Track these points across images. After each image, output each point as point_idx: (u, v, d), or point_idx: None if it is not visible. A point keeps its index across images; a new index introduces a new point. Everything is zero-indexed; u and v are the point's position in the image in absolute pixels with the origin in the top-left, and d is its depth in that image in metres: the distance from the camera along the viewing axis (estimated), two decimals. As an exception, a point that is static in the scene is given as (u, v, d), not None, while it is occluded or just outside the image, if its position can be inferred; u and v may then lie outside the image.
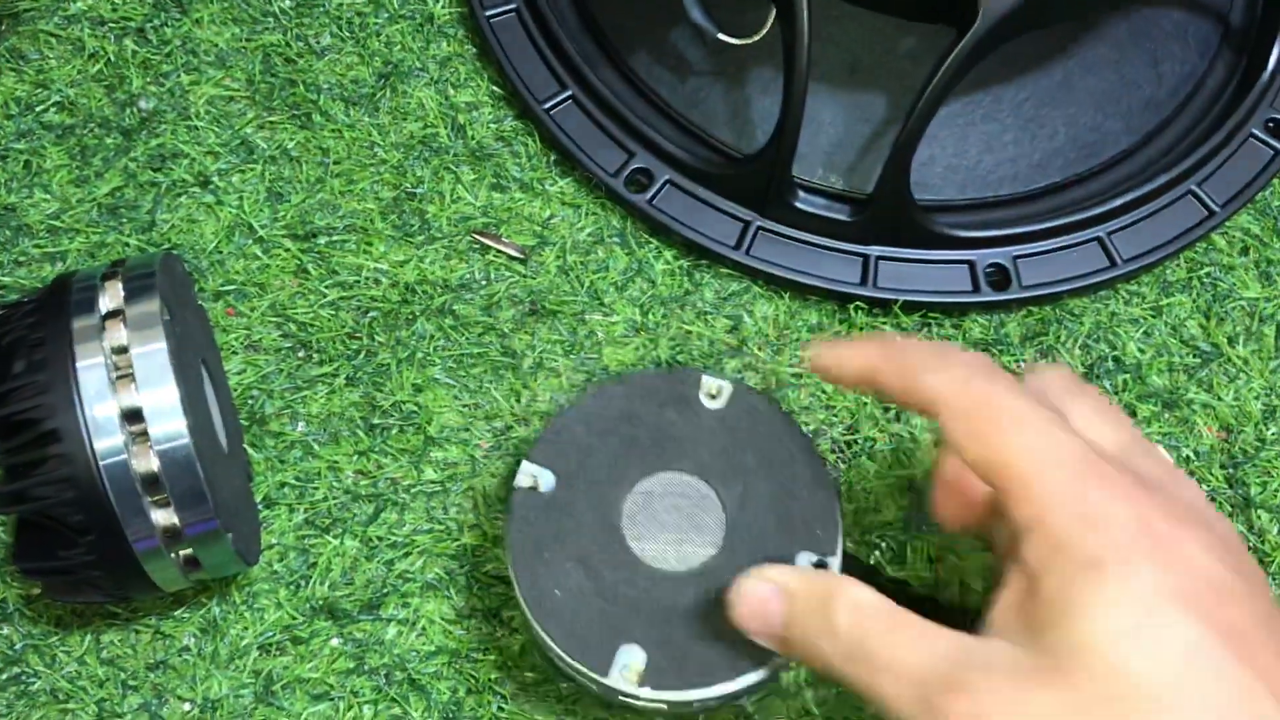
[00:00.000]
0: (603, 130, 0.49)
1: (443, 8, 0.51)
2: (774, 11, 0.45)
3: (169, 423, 0.35)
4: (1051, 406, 0.33)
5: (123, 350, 0.35)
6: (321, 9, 0.51)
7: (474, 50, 0.51)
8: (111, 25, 0.50)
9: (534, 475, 0.39)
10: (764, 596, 0.34)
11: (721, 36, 0.47)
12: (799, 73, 0.43)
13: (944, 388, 0.33)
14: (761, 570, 0.35)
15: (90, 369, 0.35)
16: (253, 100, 0.49)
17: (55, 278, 0.38)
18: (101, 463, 0.34)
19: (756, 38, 0.47)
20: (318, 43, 0.50)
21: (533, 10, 0.50)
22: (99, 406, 0.34)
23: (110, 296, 0.36)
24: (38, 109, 0.48)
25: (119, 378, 0.35)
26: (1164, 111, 0.50)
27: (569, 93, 0.49)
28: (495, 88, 0.50)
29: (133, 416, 0.35)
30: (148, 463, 0.35)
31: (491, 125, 0.49)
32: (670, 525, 0.39)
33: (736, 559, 0.38)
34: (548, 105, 0.49)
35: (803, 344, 0.38)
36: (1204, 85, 0.51)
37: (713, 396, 0.40)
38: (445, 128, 0.49)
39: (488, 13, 0.50)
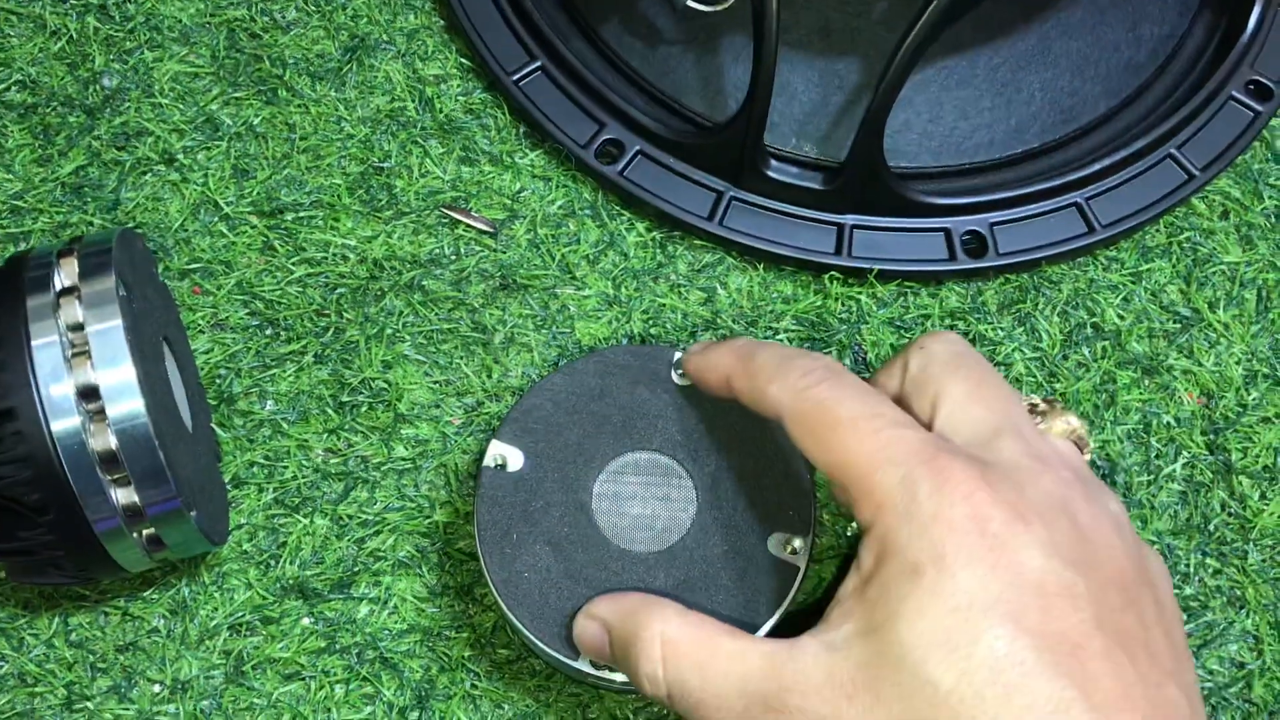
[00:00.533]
0: (573, 101, 0.48)
1: (410, -21, 0.50)
2: (742, -23, 0.45)
3: (126, 401, 0.34)
4: (919, 393, 0.33)
5: (78, 328, 0.35)
6: (286, -17, 0.50)
7: (441, 23, 0.50)
8: (73, 3, 0.49)
9: (502, 455, 0.39)
10: (593, 636, 0.35)
11: (690, 3, 0.46)
12: (769, 39, 0.43)
13: (783, 395, 0.33)
14: (588, 607, 0.35)
15: (45, 347, 0.34)
16: (217, 76, 0.48)
17: (9, 256, 0.37)
18: (58, 441, 0.34)
19: (726, 4, 0.46)
20: (283, 17, 0.49)
21: (501, -19, 0.50)
22: (55, 385, 0.34)
23: (66, 274, 0.36)
24: (-1, 88, 0.48)
25: (75, 355, 0.34)
26: (1143, 74, 0.50)
27: (538, 64, 0.48)
28: (463, 60, 0.49)
29: (89, 394, 0.34)
30: (106, 441, 0.34)
31: (460, 98, 0.49)
32: (641, 505, 0.38)
33: (708, 540, 0.37)
34: (516, 77, 0.48)
35: (686, 351, 0.38)
36: (1183, 47, 0.50)
37: (684, 373, 0.39)
38: (413, 101, 0.48)
39: (455, -16, 0.50)
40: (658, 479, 0.39)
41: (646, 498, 0.38)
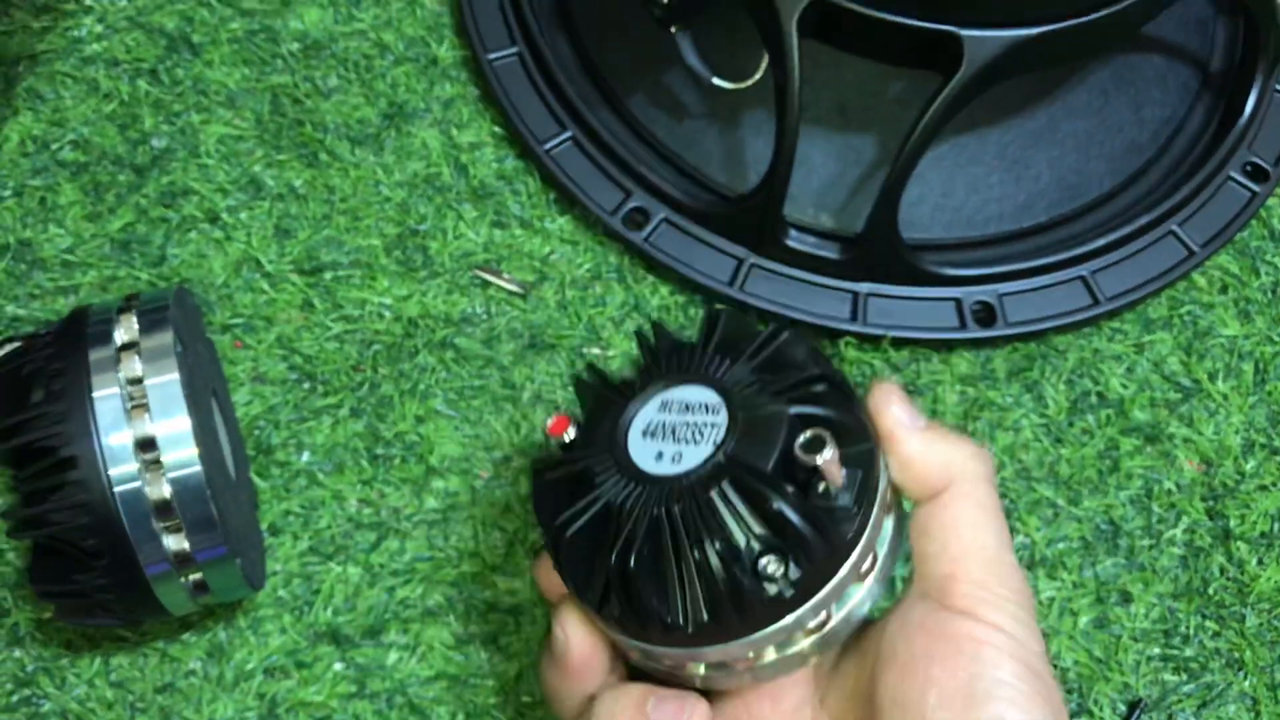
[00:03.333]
0: (601, 170, 0.50)
1: (446, 50, 0.53)
2: (766, 57, 0.47)
3: (181, 451, 0.36)
4: None
5: (137, 381, 0.36)
6: (329, 52, 0.52)
7: (476, 93, 0.52)
8: (125, 66, 0.51)
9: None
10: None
11: (716, 81, 0.48)
12: (791, 117, 0.45)
13: None
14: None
15: (106, 399, 0.36)
16: (261, 139, 0.50)
17: (72, 310, 0.39)
18: (116, 489, 0.35)
19: (750, 82, 0.48)
20: (325, 84, 0.52)
21: (534, 53, 0.52)
22: (114, 435, 0.36)
23: (125, 329, 0.38)
24: (53, 147, 0.50)
25: (133, 407, 0.36)
26: (1145, 154, 0.52)
27: (568, 134, 0.51)
28: (497, 128, 0.52)
29: (146, 445, 0.36)
30: (160, 490, 0.36)
31: (493, 165, 0.51)
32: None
33: None
34: (548, 145, 0.51)
35: None
36: (1184, 128, 0.53)
37: None
38: (448, 167, 0.51)
39: (490, 56, 0.52)
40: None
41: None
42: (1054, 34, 0.44)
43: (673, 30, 0.47)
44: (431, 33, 0.53)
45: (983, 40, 0.43)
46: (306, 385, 0.46)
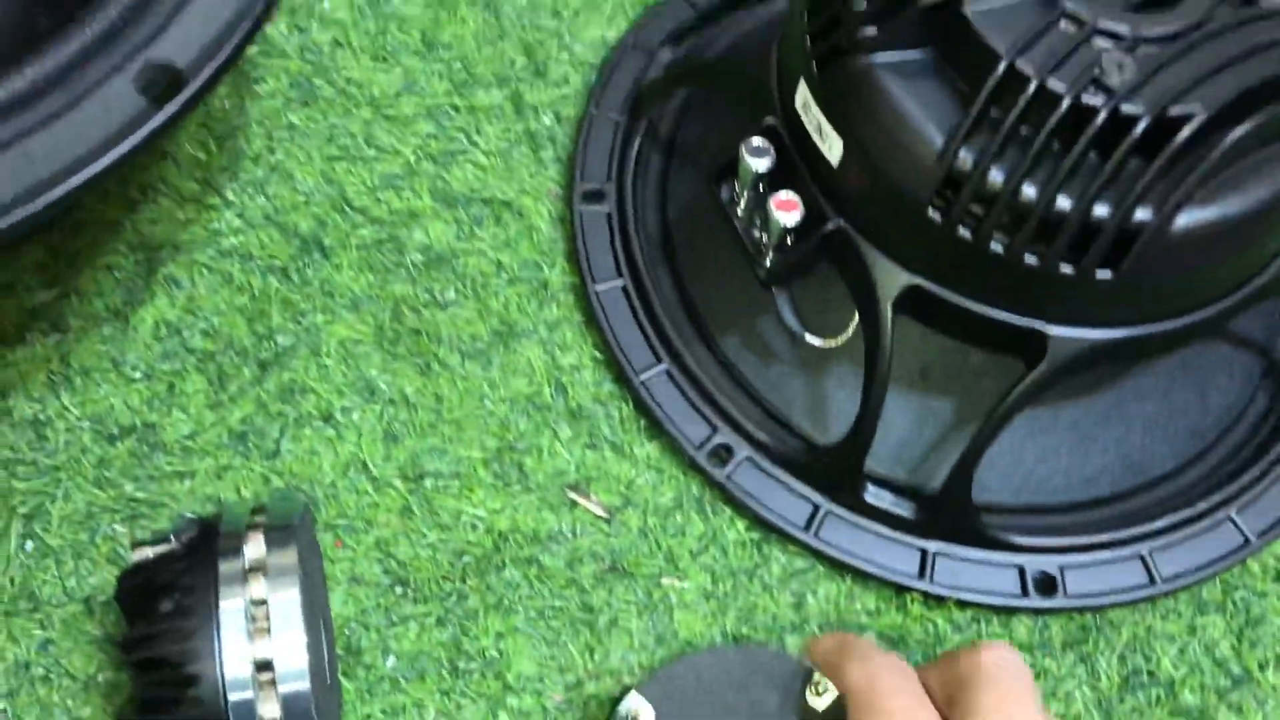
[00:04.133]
0: (690, 404, 0.53)
1: (557, 275, 0.56)
2: (856, 319, 0.50)
3: (294, 673, 0.39)
4: (958, 694, 0.39)
5: (261, 602, 0.39)
6: (450, 267, 0.56)
7: (581, 318, 0.56)
8: (259, 261, 0.55)
9: (637, 709, 0.42)
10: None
11: (809, 338, 0.52)
12: (878, 385, 0.48)
13: (854, 672, 0.41)
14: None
15: (231, 618, 0.39)
16: (379, 345, 0.54)
17: (204, 524, 0.42)
18: (232, 709, 0.38)
19: (839, 341, 0.52)
20: (443, 297, 0.55)
21: (637, 287, 0.55)
22: (235, 657, 0.38)
23: (254, 548, 0.41)
24: (184, 334, 0.53)
25: (256, 629, 0.39)
26: (1208, 437, 0.55)
27: (663, 366, 0.54)
28: (597, 353, 0.55)
29: (264, 665, 0.38)
30: (272, 710, 0.38)
31: (591, 387, 0.54)
32: None
33: None
34: (643, 375, 0.54)
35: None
36: (1245, 415, 0.55)
37: (818, 694, 0.43)
38: (549, 386, 0.54)
39: (597, 286, 0.55)
40: None
41: None
42: (1139, 337, 0.47)
43: (772, 290, 0.51)
44: (545, 257, 0.57)
45: (1068, 339, 0.46)
46: (399, 590, 0.49)
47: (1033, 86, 0.42)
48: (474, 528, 0.51)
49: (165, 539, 0.41)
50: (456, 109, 0.60)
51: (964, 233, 0.44)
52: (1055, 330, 0.46)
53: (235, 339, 0.54)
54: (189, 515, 0.48)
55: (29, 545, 0.48)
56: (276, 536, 0.41)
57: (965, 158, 0.43)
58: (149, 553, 0.41)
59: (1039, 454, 0.53)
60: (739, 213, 0.51)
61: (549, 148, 0.60)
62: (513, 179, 0.59)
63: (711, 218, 0.53)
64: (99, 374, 0.52)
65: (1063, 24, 0.43)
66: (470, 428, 0.53)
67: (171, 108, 0.39)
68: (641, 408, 0.54)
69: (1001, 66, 0.42)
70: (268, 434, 0.52)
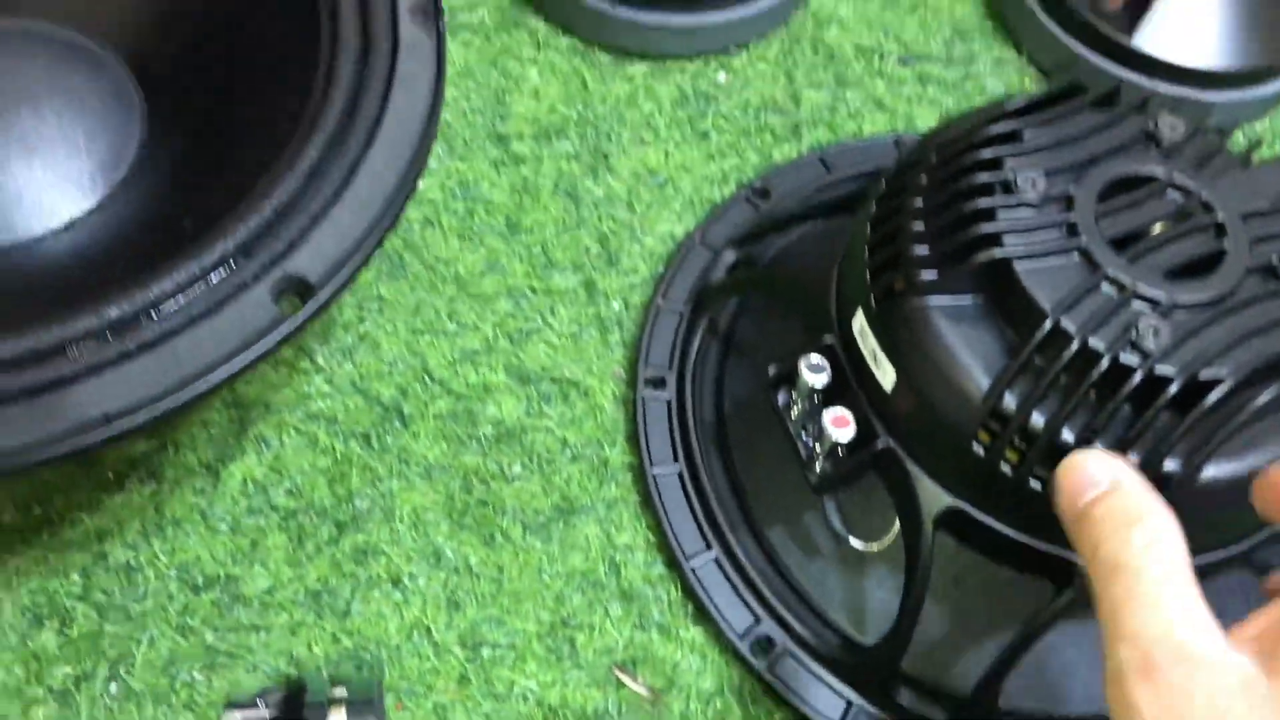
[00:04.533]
0: (736, 593, 0.57)
1: (617, 455, 0.60)
2: (897, 525, 0.54)
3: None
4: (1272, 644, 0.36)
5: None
6: (518, 441, 0.60)
7: (638, 498, 0.59)
8: (343, 426, 0.60)
9: None
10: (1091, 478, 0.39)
11: (853, 541, 0.55)
12: (917, 591, 0.51)
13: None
14: (1105, 454, 0.40)
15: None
16: (449, 514, 0.58)
17: (289, 690, 0.45)
18: None
19: (881, 546, 0.55)
20: (510, 470, 0.59)
21: (691, 474, 0.59)
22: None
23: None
24: (269, 491, 0.57)
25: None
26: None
27: (712, 553, 0.57)
28: (650, 534, 0.59)
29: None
30: None
31: (642, 568, 0.58)
32: None
33: None
34: (692, 561, 0.57)
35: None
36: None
37: None
38: (603, 565, 0.57)
39: (655, 470, 0.59)
40: None
41: None
42: (1158, 572, 0.50)
43: (822, 496, 0.54)
44: (607, 436, 0.61)
45: (1094, 569, 0.50)
46: (452, 757, 0.52)
47: (1075, 344, 0.46)
48: (525, 699, 0.54)
49: (253, 704, 0.45)
50: (534, 290, 0.65)
51: (1005, 468, 0.48)
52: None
53: (316, 499, 0.58)
54: (273, 684, 0.51)
55: (114, 687, 0.52)
56: (356, 709, 0.44)
57: (1009, 401, 0.47)
58: (238, 716, 0.44)
59: (1063, 666, 0.56)
60: (792, 417, 0.55)
61: (616, 332, 0.64)
62: (581, 360, 0.63)
63: (764, 415, 0.57)
64: (189, 525, 0.56)
65: (1104, 286, 0.48)
66: (528, 600, 0.56)
67: (301, 316, 0.43)
68: (689, 592, 0.57)
69: (1048, 324, 0.47)
70: (340, 594, 0.55)
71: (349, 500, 0.58)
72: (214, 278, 0.43)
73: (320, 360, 0.61)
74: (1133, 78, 0.74)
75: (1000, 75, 0.77)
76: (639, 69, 0.74)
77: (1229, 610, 0.58)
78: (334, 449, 0.59)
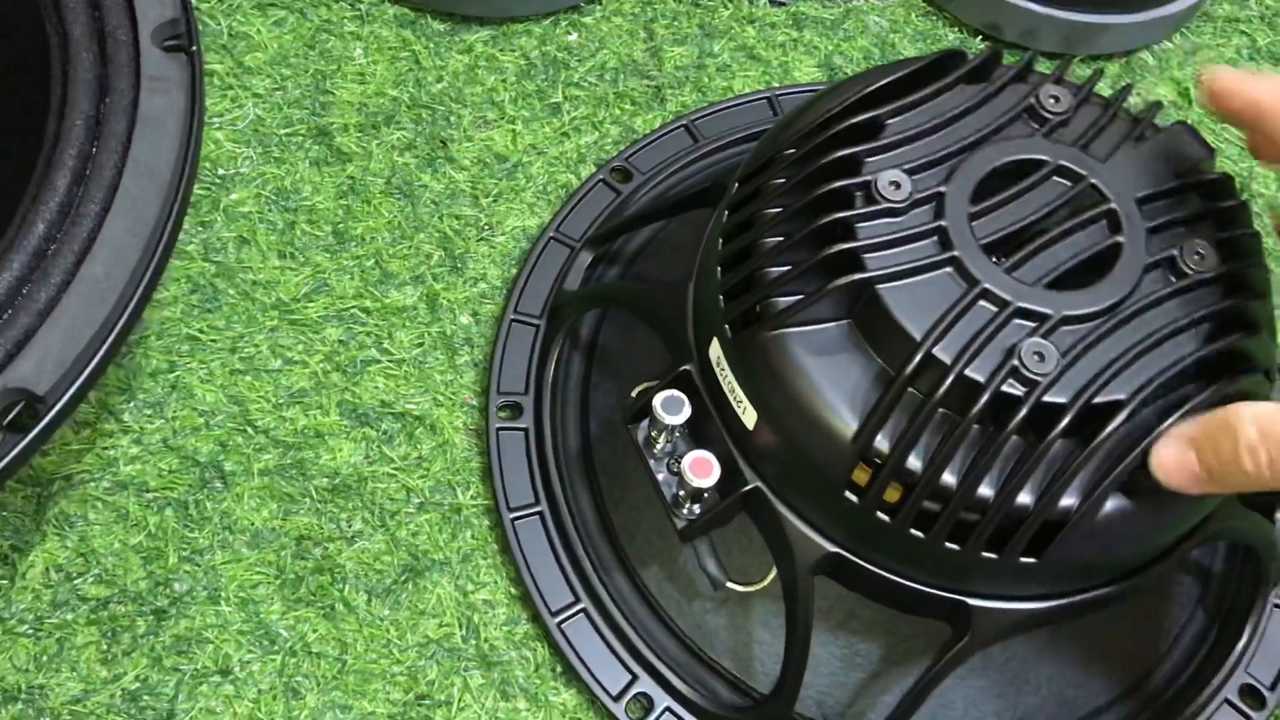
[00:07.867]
0: (609, 647, 0.51)
1: (470, 499, 0.54)
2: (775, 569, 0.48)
3: None
4: None
5: None
6: (357, 493, 0.53)
7: (495, 547, 0.53)
8: (156, 493, 0.53)
9: None
10: (1174, 455, 0.39)
11: (730, 585, 0.49)
12: (799, 640, 0.46)
13: None
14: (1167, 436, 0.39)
15: None
16: (280, 586, 0.51)
17: None
18: None
19: (761, 585, 0.50)
20: (349, 528, 0.53)
21: (554, 514, 0.53)
22: None
23: None
24: (76, 580, 0.51)
25: None
26: (1146, 664, 0.53)
27: (581, 606, 0.52)
28: (512, 588, 0.53)
29: None
30: None
31: (504, 628, 0.52)
32: None
33: None
34: (560, 618, 0.51)
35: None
36: (1183, 636, 0.54)
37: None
38: (460, 628, 0.51)
39: (511, 515, 0.53)
40: None
41: None
42: (1063, 607, 0.45)
43: (691, 543, 0.48)
44: (458, 477, 0.54)
45: (991, 611, 0.44)
46: None
47: (951, 378, 0.40)
48: (379, 794, 0.48)
49: None
50: (368, 311, 0.58)
51: (882, 516, 0.42)
52: (978, 603, 0.44)
53: (130, 584, 0.51)
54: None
55: (-98, 835, 0.46)
56: None
57: (882, 442, 0.41)
58: None
59: (969, 698, 0.51)
60: (655, 452, 0.49)
61: (465, 351, 0.57)
62: (426, 389, 0.56)
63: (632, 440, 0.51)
64: (-18, 630, 0.50)
65: (981, 304, 0.41)
66: (376, 679, 0.50)
67: (26, 438, 0.36)
68: (558, 652, 0.51)
69: (919, 355, 0.40)
70: (162, 693, 0.49)
71: (167, 582, 0.51)
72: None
73: (127, 417, 0.54)
74: (1024, 4, 0.67)
75: (884, 11, 0.69)
76: (478, 36, 0.65)
77: (1150, 606, 0.54)
78: (147, 521, 0.52)
